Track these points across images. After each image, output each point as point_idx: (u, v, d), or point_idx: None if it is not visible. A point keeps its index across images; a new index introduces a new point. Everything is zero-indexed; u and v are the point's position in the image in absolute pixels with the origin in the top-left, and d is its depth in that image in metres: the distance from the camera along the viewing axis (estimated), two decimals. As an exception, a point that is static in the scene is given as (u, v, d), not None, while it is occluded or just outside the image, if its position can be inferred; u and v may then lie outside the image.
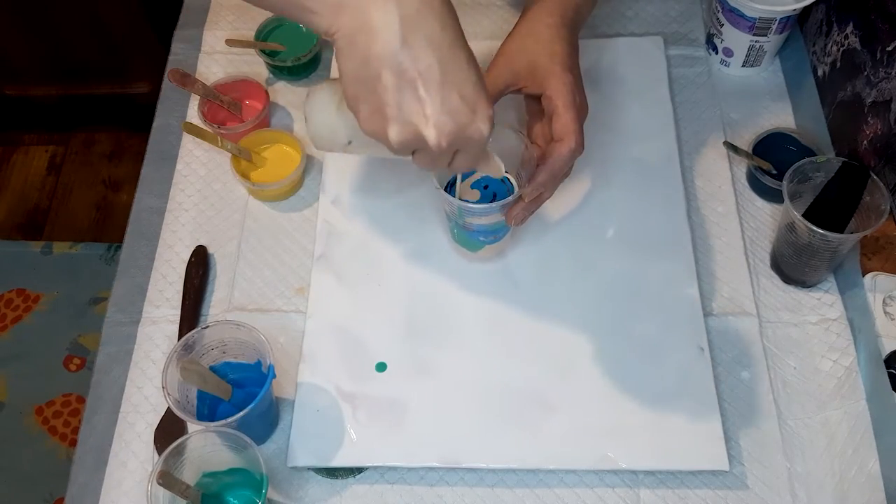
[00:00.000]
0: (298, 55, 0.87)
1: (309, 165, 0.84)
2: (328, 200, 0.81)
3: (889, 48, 0.75)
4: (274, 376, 0.64)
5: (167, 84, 0.90)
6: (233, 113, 0.85)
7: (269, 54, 0.88)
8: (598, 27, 0.92)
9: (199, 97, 0.83)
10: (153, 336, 0.75)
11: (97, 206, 1.72)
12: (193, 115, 0.87)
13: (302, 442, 0.68)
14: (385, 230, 0.79)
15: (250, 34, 0.90)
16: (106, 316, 0.77)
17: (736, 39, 0.84)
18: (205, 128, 0.80)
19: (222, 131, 0.82)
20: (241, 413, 0.61)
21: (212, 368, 0.67)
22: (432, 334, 0.73)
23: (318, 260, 0.77)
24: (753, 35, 0.83)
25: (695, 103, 0.87)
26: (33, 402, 1.48)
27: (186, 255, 0.79)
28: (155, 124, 0.88)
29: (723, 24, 0.84)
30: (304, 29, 0.90)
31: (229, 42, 0.89)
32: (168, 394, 0.62)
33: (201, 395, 0.67)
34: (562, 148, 0.65)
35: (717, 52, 0.88)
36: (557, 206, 0.79)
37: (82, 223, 1.69)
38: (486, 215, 0.69)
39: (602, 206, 0.79)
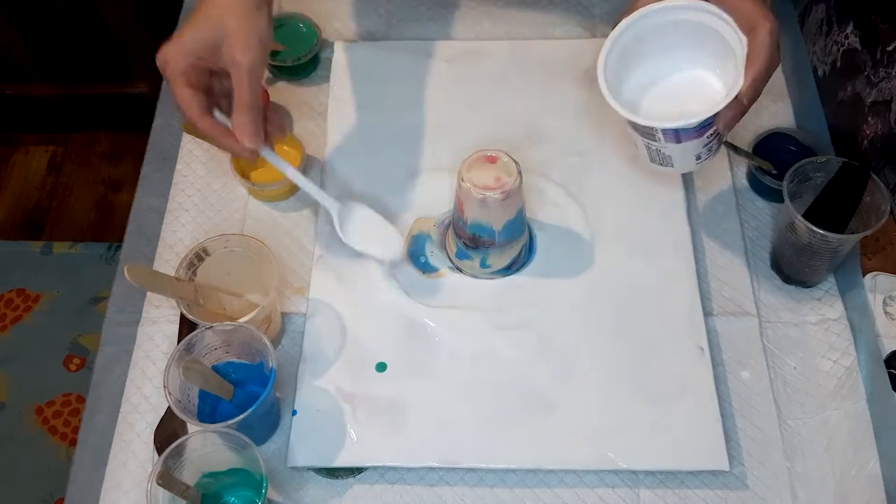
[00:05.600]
0: (298, 55, 0.87)
1: (309, 165, 0.84)
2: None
3: (889, 48, 0.75)
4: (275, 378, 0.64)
5: (167, 84, 0.90)
6: None
7: (269, 54, 0.88)
8: (597, 27, 0.92)
9: None
10: (153, 336, 0.75)
11: (97, 206, 1.71)
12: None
13: (302, 442, 0.68)
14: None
15: (250, 34, 0.90)
16: (106, 316, 0.77)
17: (631, 132, 0.68)
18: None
19: None
20: (243, 415, 0.61)
21: (214, 368, 0.67)
22: (432, 334, 0.73)
23: (318, 260, 0.77)
24: (642, 136, 0.66)
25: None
26: (33, 402, 1.48)
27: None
28: (155, 124, 0.88)
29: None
30: (304, 29, 0.90)
31: None
32: (169, 393, 0.62)
33: (203, 395, 0.66)
34: (760, 33, 0.60)
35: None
36: (556, 205, 0.79)
37: (82, 223, 1.69)
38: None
39: (602, 207, 0.79)
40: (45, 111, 1.75)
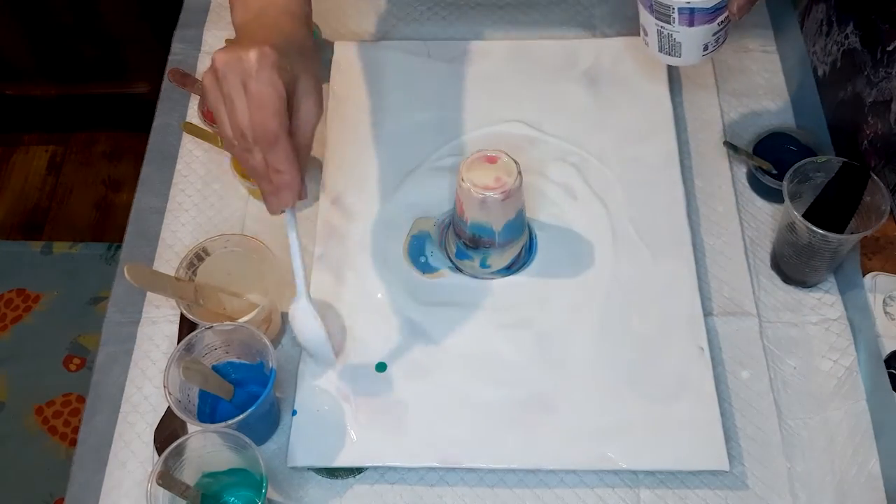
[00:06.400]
0: None
1: (309, 165, 0.83)
2: (328, 200, 0.81)
3: (889, 48, 0.75)
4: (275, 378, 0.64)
5: (167, 84, 0.90)
6: None
7: None
8: (597, 27, 0.92)
9: (198, 97, 0.83)
10: (153, 336, 0.75)
11: (97, 206, 1.72)
12: (193, 115, 0.87)
13: (302, 442, 0.68)
14: (385, 230, 0.79)
15: (250, 34, 0.90)
16: (106, 316, 0.77)
17: (644, 17, 0.70)
18: (204, 128, 0.80)
19: None
20: (242, 415, 0.61)
21: (214, 368, 0.67)
22: (432, 334, 0.73)
23: (318, 260, 0.77)
24: (656, 19, 0.68)
25: (695, 103, 0.87)
26: (33, 402, 1.48)
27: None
28: (155, 124, 0.88)
29: None
30: None
31: (229, 42, 0.89)
32: (169, 393, 0.62)
33: (203, 395, 0.67)
34: None
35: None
36: (556, 205, 0.79)
37: (82, 223, 1.69)
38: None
39: (602, 207, 0.79)
40: (45, 111, 1.75)
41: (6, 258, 1.63)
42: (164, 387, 0.62)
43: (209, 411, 0.67)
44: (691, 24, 0.67)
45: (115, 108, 1.71)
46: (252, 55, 0.54)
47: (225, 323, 0.66)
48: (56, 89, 1.69)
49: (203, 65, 0.92)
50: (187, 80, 0.81)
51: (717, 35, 0.69)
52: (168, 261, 0.79)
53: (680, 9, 0.66)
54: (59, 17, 1.52)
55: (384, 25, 0.94)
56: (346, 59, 0.89)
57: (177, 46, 0.94)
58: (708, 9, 0.65)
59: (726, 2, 0.66)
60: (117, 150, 1.78)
